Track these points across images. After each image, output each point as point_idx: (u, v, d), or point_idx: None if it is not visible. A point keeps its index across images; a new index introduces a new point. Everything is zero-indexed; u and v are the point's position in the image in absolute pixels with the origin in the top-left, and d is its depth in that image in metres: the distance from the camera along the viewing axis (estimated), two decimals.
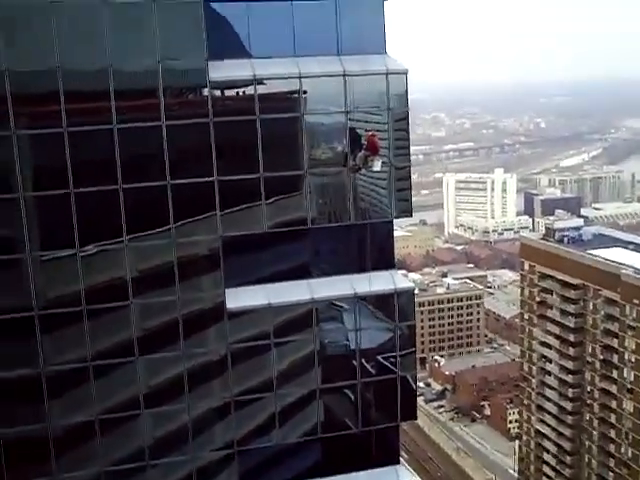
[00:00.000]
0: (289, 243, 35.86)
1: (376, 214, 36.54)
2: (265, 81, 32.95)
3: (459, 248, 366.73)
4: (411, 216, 38.48)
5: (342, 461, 37.41)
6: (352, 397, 36.82)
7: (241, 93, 33.34)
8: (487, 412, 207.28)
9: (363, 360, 36.69)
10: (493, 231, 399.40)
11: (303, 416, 36.57)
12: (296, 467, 37.57)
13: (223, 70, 32.01)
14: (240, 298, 34.33)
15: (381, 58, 34.40)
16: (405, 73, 34.56)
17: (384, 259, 37.62)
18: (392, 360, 37.16)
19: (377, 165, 34.18)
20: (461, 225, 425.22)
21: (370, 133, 34.08)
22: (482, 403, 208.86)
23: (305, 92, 33.50)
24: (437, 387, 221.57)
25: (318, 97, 33.89)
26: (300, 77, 32.98)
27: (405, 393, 37.60)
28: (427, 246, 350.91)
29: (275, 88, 33.72)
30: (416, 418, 39.57)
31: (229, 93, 33.53)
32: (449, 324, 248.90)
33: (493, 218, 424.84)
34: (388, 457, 38.39)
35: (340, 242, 36.95)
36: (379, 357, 37.13)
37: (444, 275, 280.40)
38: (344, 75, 33.42)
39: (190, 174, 32.78)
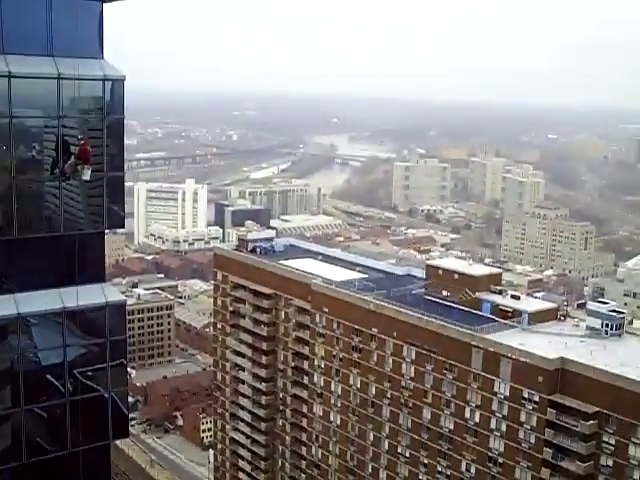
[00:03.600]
0: None
1: (86, 225, 35.06)
2: None
3: (149, 258, 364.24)
4: (123, 227, 37.40)
5: None
6: (61, 417, 34.91)
7: None
8: (180, 422, 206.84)
9: (72, 377, 34.95)
10: (184, 241, 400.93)
11: (5, 440, 34.06)
12: None
13: None
14: None
15: (97, 63, 33.06)
16: (122, 80, 33.45)
17: (94, 272, 36.36)
18: (102, 377, 35.76)
19: (87, 174, 32.41)
20: (152, 234, 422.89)
21: (82, 141, 32.44)
22: (175, 413, 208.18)
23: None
24: (129, 399, 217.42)
25: (28, 99, 31.85)
26: (10, 76, 30.72)
27: (116, 410, 36.38)
28: (117, 255, 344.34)
29: None
30: (128, 435, 38.35)
31: None
32: (140, 335, 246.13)
33: (184, 228, 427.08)
34: (99, 477, 36.97)
35: (48, 254, 34.95)
36: (89, 374, 35.58)
37: (134, 285, 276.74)
38: (58, 78, 31.66)
39: None
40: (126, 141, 35.86)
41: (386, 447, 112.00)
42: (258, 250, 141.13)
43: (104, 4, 33.68)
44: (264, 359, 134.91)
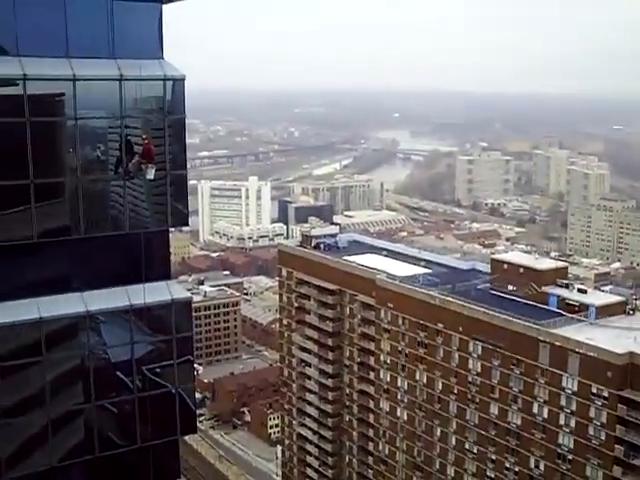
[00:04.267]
0: (60, 253, 33.81)
1: (151, 223, 35.35)
2: (36, 81, 30.75)
3: (215, 255, 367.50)
4: (187, 225, 37.67)
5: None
6: (130, 412, 35.32)
7: (8, 93, 30.98)
8: (247, 418, 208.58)
9: (140, 374, 35.34)
10: (248, 238, 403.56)
11: (78, 435, 34.63)
12: None
13: None
14: (9, 312, 32.03)
15: (158, 63, 33.39)
16: (183, 79, 33.72)
17: (160, 269, 36.59)
18: (170, 373, 36.10)
19: (151, 173, 32.91)
20: (216, 232, 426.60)
21: (146, 140, 32.86)
22: (242, 409, 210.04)
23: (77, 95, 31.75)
24: (197, 395, 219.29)
25: (92, 101, 32.30)
26: (74, 79, 31.24)
27: (183, 406, 36.66)
28: (183, 253, 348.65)
29: (45, 89, 31.64)
30: (196, 431, 38.71)
31: None
32: (207, 331, 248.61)
33: (248, 225, 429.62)
34: (169, 472, 37.39)
35: (115, 252, 35.31)
36: (156, 370, 35.91)
37: (201, 282, 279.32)
38: (121, 79, 32.09)
39: None
40: (189, 140, 36.16)
41: (453, 443, 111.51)
42: (322, 246, 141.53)
43: (164, 5, 34.07)
44: (330, 355, 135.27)
